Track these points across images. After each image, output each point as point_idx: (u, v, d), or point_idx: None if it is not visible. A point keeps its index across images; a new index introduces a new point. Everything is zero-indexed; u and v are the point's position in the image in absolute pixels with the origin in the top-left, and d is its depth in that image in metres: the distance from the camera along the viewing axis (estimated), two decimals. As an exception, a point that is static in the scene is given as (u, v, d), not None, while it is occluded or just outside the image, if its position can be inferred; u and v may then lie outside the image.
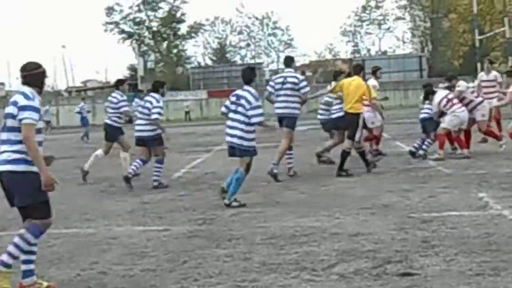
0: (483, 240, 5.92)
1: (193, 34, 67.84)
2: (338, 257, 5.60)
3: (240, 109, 8.48)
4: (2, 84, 68.80)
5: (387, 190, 9.11)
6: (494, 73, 15.28)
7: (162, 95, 10.92)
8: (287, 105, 10.81)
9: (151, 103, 10.72)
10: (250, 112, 8.39)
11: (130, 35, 65.45)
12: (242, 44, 70.26)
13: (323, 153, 12.56)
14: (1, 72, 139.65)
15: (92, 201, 9.51)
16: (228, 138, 8.61)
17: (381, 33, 67.87)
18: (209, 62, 69.34)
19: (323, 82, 49.92)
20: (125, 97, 12.07)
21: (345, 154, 10.87)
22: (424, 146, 12.67)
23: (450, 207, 7.62)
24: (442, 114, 12.45)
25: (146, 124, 10.72)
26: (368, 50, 68.32)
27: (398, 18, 66.07)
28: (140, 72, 54.16)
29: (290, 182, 10.43)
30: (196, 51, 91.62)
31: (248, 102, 8.44)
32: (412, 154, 12.78)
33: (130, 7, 64.49)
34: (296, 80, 10.91)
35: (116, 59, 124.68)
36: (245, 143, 8.45)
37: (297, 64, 54.38)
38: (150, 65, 65.57)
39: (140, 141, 10.84)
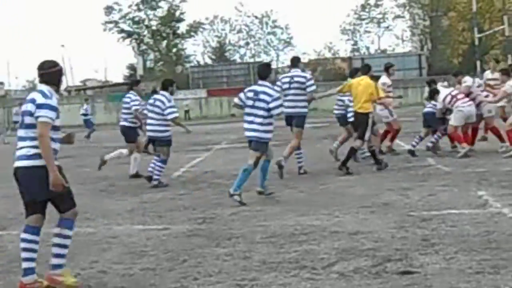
0: (483, 238, 5.92)
1: (192, 33, 67.80)
2: (338, 255, 5.60)
3: (258, 103, 8.66)
4: (2, 83, 68.78)
5: (387, 188, 9.12)
6: None
7: (172, 93, 10.87)
8: (296, 104, 10.86)
9: (162, 102, 10.66)
10: (272, 104, 8.59)
11: (129, 34, 65.40)
12: (242, 43, 70.32)
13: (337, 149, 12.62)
14: (0, 71, 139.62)
15: (92, 200, 9.51)
16: (247, 133, 8.85)
17: (381, 31, 67.95)
18: (209, 61, 69.30)
19: (322, 80, 49.86)
20: (138, 97, 11.98)
21: (352, 152, 11.02)
22: (433, 139, 12.74)
23: (449, 205, 7.63)
24: (446, 111, 12.48)
25: (157, 124, 10.68)
26: (368, 49, 68.41)
27: (397, 17, 66.14)
28: (140, 71, 54.21)
29: (290, 180, 10.42)
30: (196, 50, 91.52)
31: (269, 95, 8.66)
32: (411, 152, 12.79)
33: (129, 6, 64.47)
34: (303, 80, 11.00)
35: (116, 58, 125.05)
36: (263, 135, 8.69)
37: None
38: (149, 64, 65.57)
39: (151, 141, 10.92)
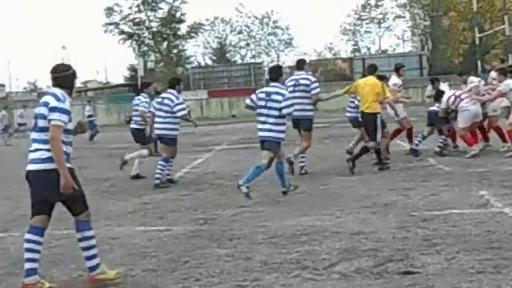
0: (485, 238, 5.92)
1: (193, 34, 67.75)
2: (339, 256, 5.60)
3: (271, 104, 8.89)
4: (3, 85, 68.85)
5: (388, 188, 9.12)
6: None
7: (179, 92, 10.94)
8: (302, 107, 10.80)
9: (171, 100, 10.71)
10: (283, 103, 8.78)
11: (130, 36, 65.37)
12: (242, 43, 70.32)
13: (353, 149, 12.59)
14: (1, 73, 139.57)
15: (93, 202, 9.44)
16: (260, 133, 9.03)
17: (381, 31, 67.83)
18: (209, 62, 69.28)
19: (323, 81, 49.85)
20: (146, 99, 12.01)
21: (364, 150, 11.12)
22: (440, 144, 12.71)
23: (451, 205, 7.62)
24: (451, 112, 12.45)
25: (165, 122, 10.73)
26: (368, 49, 68.35)
27: (397, 17, 66.02)
28: (140, 72, 54.08)
29: (291, 181, 10.40)
30: (196, 51, 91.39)
31: (282, 95, 8.89)
32: (413, 152, 12.78)
33: (130, 8, 64.36)
34: (308, 82, 11.01)
35: (116, 60, 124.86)
36: (276, 134, 8.87)
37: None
38: (150, 65, 65.48)
39: (160, 139, 10.98)
